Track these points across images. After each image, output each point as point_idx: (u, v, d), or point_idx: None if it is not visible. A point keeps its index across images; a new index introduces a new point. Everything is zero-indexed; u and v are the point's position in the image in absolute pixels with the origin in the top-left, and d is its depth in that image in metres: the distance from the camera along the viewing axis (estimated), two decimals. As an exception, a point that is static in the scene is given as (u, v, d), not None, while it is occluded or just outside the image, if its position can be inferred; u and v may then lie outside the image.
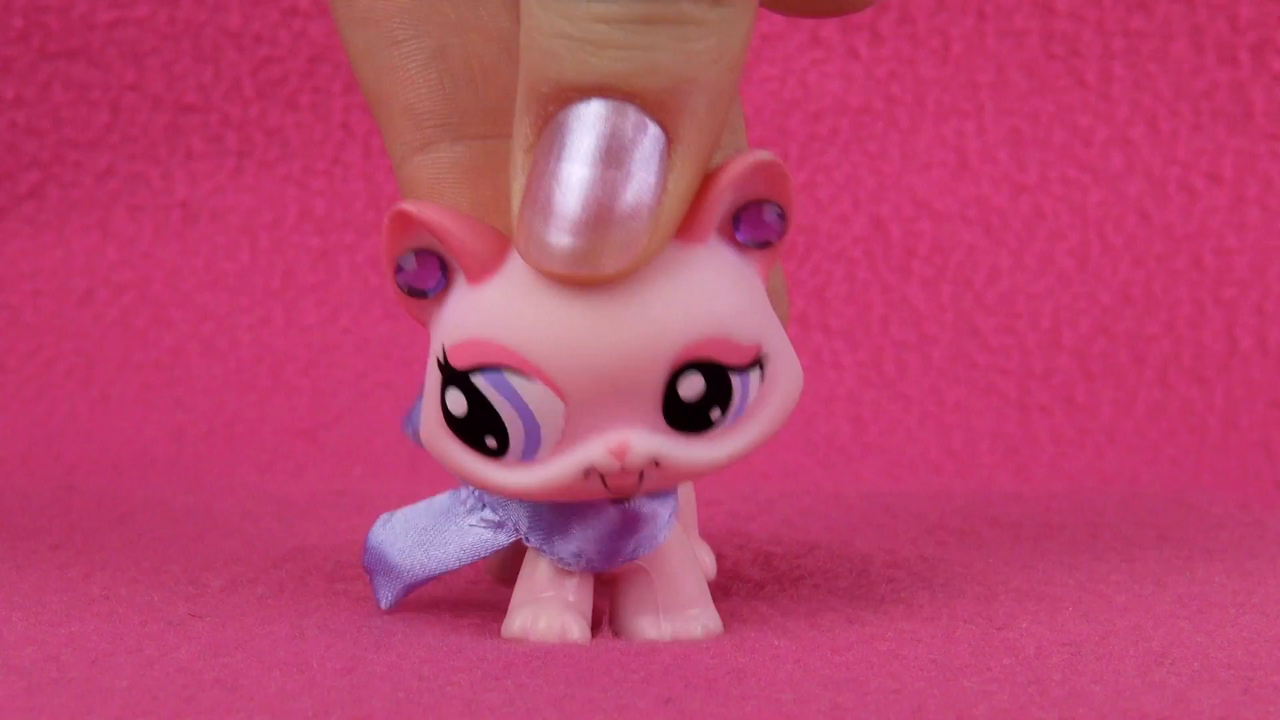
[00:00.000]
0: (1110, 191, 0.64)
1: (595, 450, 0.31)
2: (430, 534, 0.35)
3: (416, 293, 0.32)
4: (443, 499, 0.35)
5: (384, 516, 0.36)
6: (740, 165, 0.31)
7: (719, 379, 0.31)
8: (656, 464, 0.31)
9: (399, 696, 0.28)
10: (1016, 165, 0.64)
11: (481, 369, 0.31)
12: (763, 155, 0.32)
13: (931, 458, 0.61)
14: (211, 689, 0.29)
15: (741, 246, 0.32)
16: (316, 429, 0.62)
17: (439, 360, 0.32)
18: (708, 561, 0.38)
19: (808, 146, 0.64)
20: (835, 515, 0.50)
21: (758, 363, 0.32)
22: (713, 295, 0.31)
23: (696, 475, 0.32)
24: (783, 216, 0.32)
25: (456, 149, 0.34)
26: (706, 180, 0.31)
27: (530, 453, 0.32)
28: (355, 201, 0.65)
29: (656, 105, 0.30)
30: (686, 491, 0.37)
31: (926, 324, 0.63)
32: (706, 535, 0.41)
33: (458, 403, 0.32)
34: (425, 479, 0.58)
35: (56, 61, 0.64)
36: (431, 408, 0.32)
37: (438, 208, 0.32)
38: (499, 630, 0.34)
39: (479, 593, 0.39)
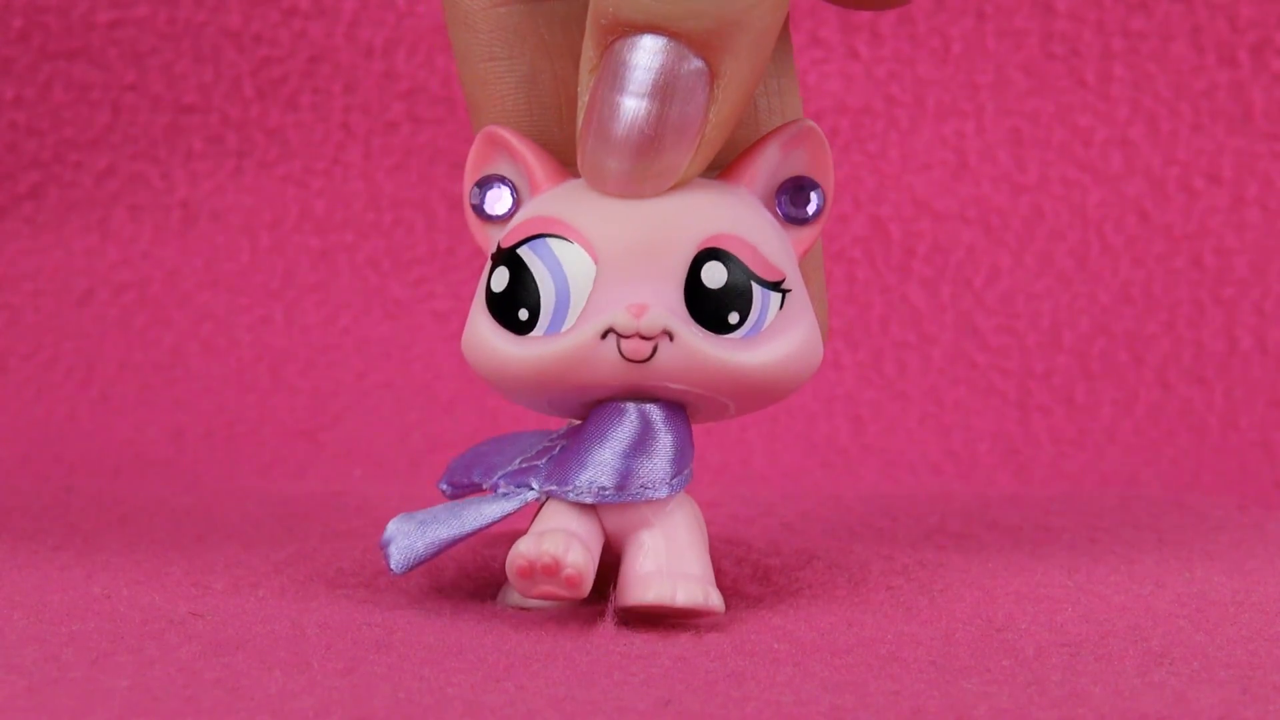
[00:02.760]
0: (1110, 191, 0.64)
1: (614, 310, 0.33)
2: (449, 511, 0.36)
3: (487, 214, 0.36)
4: (465, 499, 0.36)
5: (402, 514, 0.36)
6: (788, 129, 0.35)
7: (741, 281, 0.34)
8: (671, 337, 0.33)
9: (399, 697, 0.28)
10: (1016, 165, 0.64)
11: (527, 240, 0.34)
12: (806, 122, 0.35)
13: (931, 458, 0.61)
14: (212, 689, 0.29)
15: (783, 220, 0.35)
16: (316, 430, 0.62)
17: (492, 254, 0.35)
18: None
19: (808, 146, 0.64)
20: (834, 519, 0.50)
21: (779, 288, 0.34)
22: (745, 210, 0.34)
23: (708, 371, 0.34)
24: (822, 196, 0.35)
25: None
26: (760, 139, 0.35)
27: (558, 322, 0.34)
28: (355, 201, 0.65)
29: (701, 44, 0.32)
30: (701, 528, 0.37)
31: (926, 324, 0.63)
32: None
33: (500, 278, 0.34)
34: (425, 480, 0.58)
35: (56, 61, 0.64)
36: (477, 304, 0.35)
37: (517, 132, 0.35)
38: (501, 631, 0.34)
39: (481, 594, 0.39)
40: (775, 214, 0.35)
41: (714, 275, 0.33)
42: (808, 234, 0.35)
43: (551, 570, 0.33)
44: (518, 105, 0.36)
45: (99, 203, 0.65)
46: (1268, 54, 0.63)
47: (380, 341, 0.64)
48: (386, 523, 0.45)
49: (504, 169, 0.35)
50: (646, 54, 0.33)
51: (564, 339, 0.34)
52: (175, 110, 0.65)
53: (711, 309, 0.34)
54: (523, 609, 0.37)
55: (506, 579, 0.40)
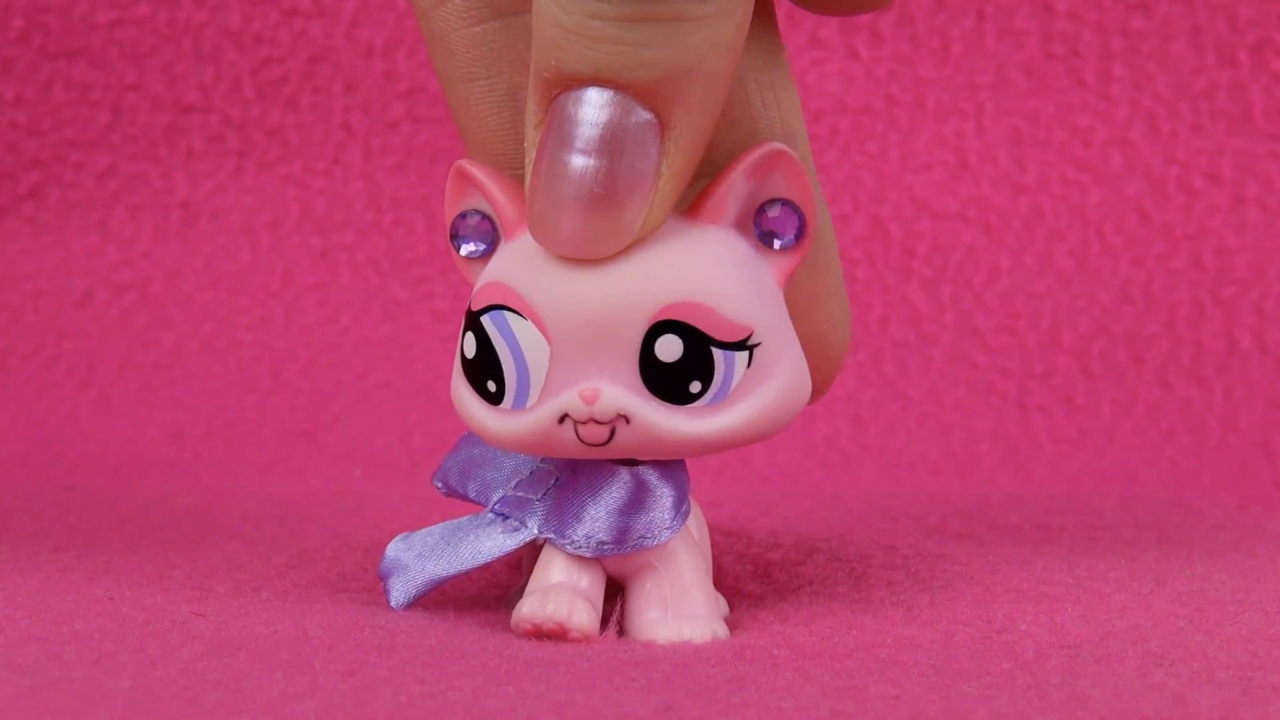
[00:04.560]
0: (1110, 191, 0.64)
1: (568, 396, 0.33)
2: (447, 543, 0.36)
3: (468, 252, 0.35)
4: (460, 519, 0.36)
5: (401, 535, 0.36)
6: (753, 154, 0.33)
7: (699, 348, 0.32)
8: (626, 420, 0.33)
9: (401, 700, 0.28)
10: (1016, 165, 0.64)
11: (489, 309, 0.33)
12: (774, 145, 0.33)
13: (931, 458, 0.61)
14: (214, 690, 0.29)
15: (761, 246, 0.34)
16: (317, 430, 0.62)
17: (466, 312, 0.34)
18: (721, 604, 0.38)
19: (808, 146, 0.64)
20: (835, 519, 0.50)
21: (745, 346, 0.33)
22: (704, 266, 0.33)
23: (671, 446, 0.33)
24: (801, 216, 0.34)
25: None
26: (721, 170, 0.33)
27: (521, 399, 0.33)
28: (355, 201, 0.65)
29: (649, 95, 0.31)
30: (703, 534, 0.37)
31: (926, 324, 0.63)
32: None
33: (469, 344, 0.34)
34: (426, 480, 0.58)
35: (57, 62, 0.64)
36: (457, 363, 0.34)
37: (489, 168, 0.34)
38: (503, 636, 0.34)
39: (484, 598, 0.39)
40: (754, 242, 0.34)
41: (669, 349, 0.32)
42: (792, 258, 0.34)
43: (557, 634, 0.33)
44: (500, 124, 0.35)
45: (99, 203, 0.65)
46: (1268, 54, 0.63)
47: (380, 341, 0.64)
48: (387, 524, 0.45)
49: (480, 204, 0.34)
50: (592, 108, 0.31)
51: (527, 418, 0.33)
52: (175, 110, 0.65)
53: (670, 381, 0.33)
54: None
55: (510, 581, 0.40)
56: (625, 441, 0.33)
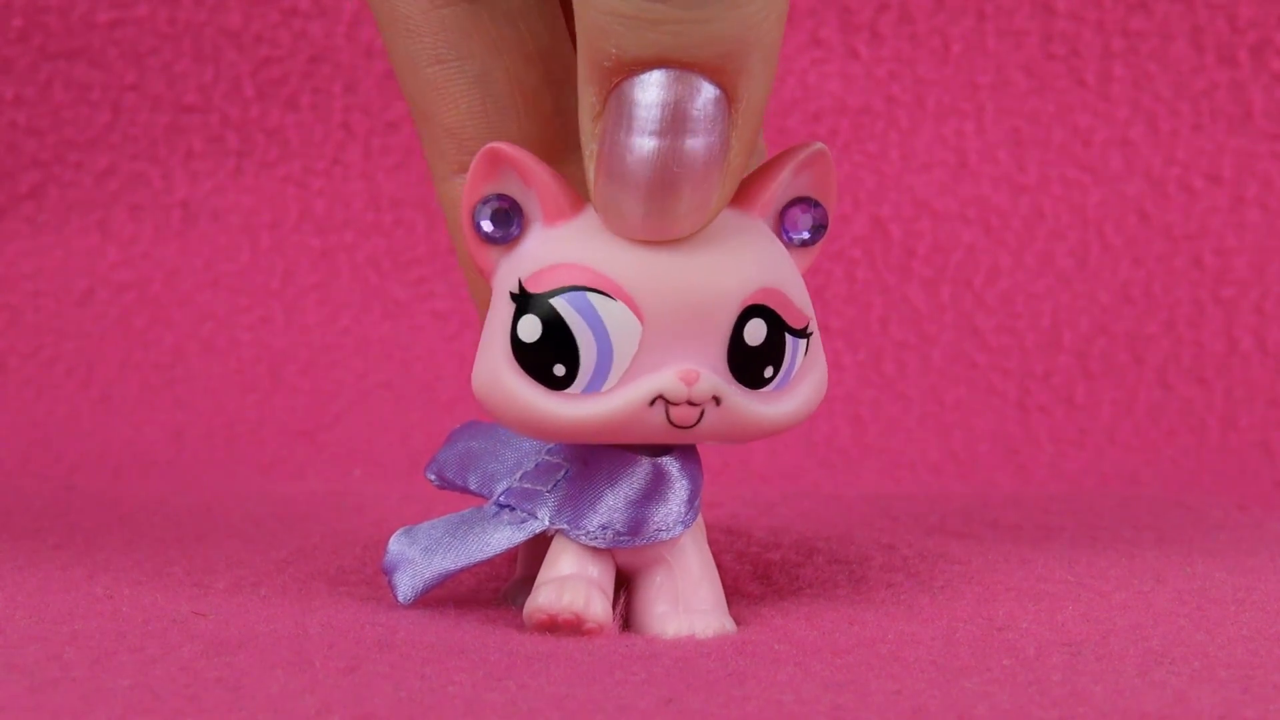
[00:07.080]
0: (1110, 191, 0.64)
1: (665, 377, 0.32)
2: (453, 536, 0.35)
3: (491, 237, 0.34)
4: (463, 512, 0.36)
5: (403, 529, 0.36)
6: (802, 153, 0.34)
7: (777, 334, 0.33)
8: (718, 402, 0.33)
9: (401, 696, 0.28)
10: (1016, 165, 0.64)
11: (562, 290, 0.32)
12: (819, 146, 0.34)
13: (931, 458, 0.61)
14: (214, 688, 0.29)
15: (786, 244, 0.34)
16: (317, 430, 0.62)
17: (512, 293, 0.33)
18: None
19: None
20: (835, 519, 0.50)
21: (806, 334, 0.34)
22: (776, 255, 0.34)
23: (751, 429, 0.34)
24: (824, 215, 0.34)
25: None
26: (771, 162, 0.34)
27: (598, 381, 0.33)
28: (355, 201, 0.65)
29: (715, 70, 0.31)
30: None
31: (926, 324, 0.63)
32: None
33: (531, 328, 0.33)
34: (425, 480, 0.58)
35: (56, 61, 0.64)
36: (495, 346, 0.33)
37: (524, 151, 0.33)
38: (503, 630, 0.34)
39: (483, 592, 0.39)
40: (780, 237, 0.34)
41: (756, 333, 0.33)
42: (809, 254, 0.35)
43: (574, 625, 0.33)
44: (472, 106, 0.35)
45: (99, 203, 0.65)
46: (1268, 54, 0.63)
47: (380, 341, 0.64)
48: (387, 523, 0.44)
49: (509, 188, 0.34)
50: (657, 89, 0.31)
51: (608, 401, 0.33)
52: (175, 110, 0.65)
53: (751, 365, 0.33)
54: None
55: (508, 575, 0.40)
56: (710, 424, 0.33)
